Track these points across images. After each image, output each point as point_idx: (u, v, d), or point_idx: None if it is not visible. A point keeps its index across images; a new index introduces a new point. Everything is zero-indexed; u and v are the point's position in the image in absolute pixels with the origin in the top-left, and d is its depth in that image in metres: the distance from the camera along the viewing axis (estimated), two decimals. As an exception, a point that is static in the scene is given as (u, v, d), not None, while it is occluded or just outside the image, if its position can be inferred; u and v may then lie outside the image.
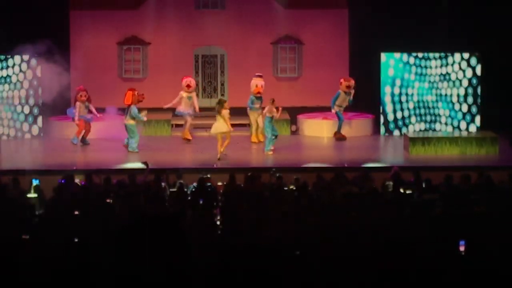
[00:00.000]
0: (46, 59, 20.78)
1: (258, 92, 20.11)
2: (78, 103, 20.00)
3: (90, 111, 20.17)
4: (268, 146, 19.28)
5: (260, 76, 20.43)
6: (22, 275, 9.01)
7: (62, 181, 14.24)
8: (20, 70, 21.50)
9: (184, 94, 20.29)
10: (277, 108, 19.23)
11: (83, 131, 20.14)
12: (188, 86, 20.32)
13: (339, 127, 20.90)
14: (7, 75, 21.46)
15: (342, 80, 20.85)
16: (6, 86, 21.47)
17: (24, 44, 20.60)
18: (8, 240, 9.84)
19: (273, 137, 19.34)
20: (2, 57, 21.44)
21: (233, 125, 18.89)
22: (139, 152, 19.16)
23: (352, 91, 20.78)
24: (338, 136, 20.87)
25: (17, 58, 21.45)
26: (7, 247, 9.44)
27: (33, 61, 21.43)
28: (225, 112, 18.60)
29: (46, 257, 9.16)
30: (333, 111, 20.85)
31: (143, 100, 19.67)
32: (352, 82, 20.84)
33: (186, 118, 20.40)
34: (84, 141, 20.15)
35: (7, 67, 21.46)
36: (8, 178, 14.40)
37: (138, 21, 23.69)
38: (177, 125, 21.63)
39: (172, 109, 20.78)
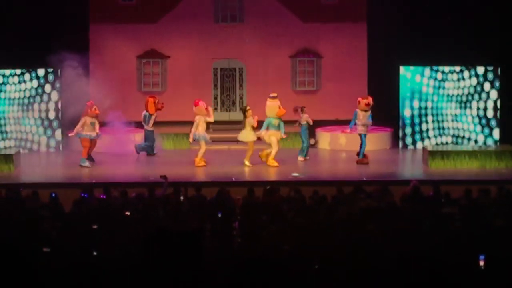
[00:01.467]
0: (66, 73, 20.87)
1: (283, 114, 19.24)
2: (85, 118, 19.36)
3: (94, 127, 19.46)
4: (302, 153, 19.94)
5: (275, 97, 19.46)
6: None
7: (84, 195, 14.20)
8: (40, 84, 21.64)
9: (202, 118, 19.29)
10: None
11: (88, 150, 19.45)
12: (206, 109, 19.40)
13: (361, 152, 19.72)
14: (26, 89, 21.60)
15: (360, 99, 19.70)
16: (26, 100, 21.63)
17: (45, 58, 20.73)
18: (29, 252, 9.86)
19: (305, 146, 19.92)
20: (23, 70, 21.59)
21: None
22: (157, 164, 19.27)
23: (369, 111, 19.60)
24: (360, 162, 19.69)
25: (37, 72, 21.61)
26: (27, 260, 9.46)
27: (53, 75, 21.56)
28: (247, 121, 18.91)
29: (65, 270, 9.17)
30: (349, 130, 20.02)
31: (162, 109, 20.47)
32: (370, 99, 19.67)
33: (201, 142, 19.33)
34: (89, 158, 19.49)
35: (28, 80, 21.61)
36: (27, 191, 14.45)
37: (157, 34, 23.80)
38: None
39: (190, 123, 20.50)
